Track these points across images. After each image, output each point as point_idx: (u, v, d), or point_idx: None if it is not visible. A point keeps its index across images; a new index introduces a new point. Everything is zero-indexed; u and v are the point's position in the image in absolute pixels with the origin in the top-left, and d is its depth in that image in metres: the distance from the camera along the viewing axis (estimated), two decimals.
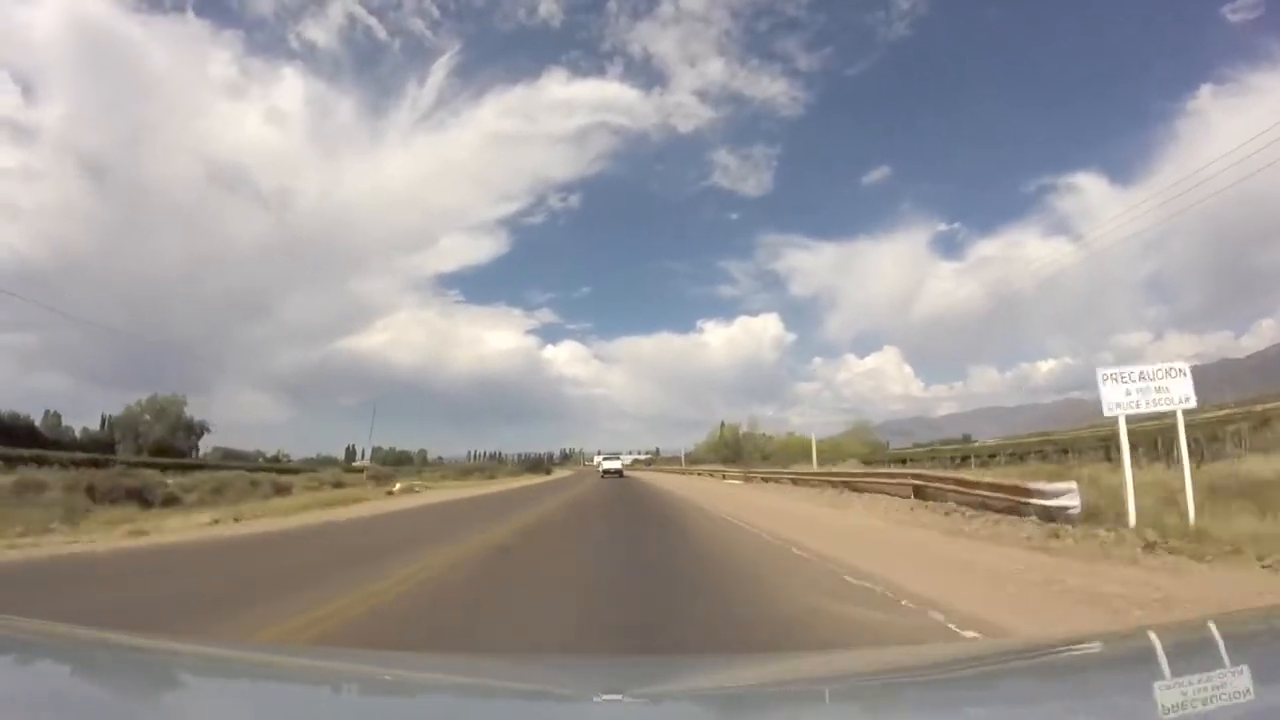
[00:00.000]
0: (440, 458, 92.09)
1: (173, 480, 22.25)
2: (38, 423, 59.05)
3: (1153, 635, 1.67)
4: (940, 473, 15.32)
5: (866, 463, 40.60)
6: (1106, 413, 8.44)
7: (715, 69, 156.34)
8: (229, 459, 71.40)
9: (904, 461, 48.39)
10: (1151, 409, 8.37)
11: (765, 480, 30.81)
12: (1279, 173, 24.92)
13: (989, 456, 41.61)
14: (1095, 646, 1.62)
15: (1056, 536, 8.13)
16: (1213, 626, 1.53)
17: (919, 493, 13.20)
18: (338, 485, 27.88)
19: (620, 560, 8.68)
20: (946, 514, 10.97)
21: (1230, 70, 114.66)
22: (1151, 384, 8.15)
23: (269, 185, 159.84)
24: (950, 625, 4.60)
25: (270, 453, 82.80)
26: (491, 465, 72.27)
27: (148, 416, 57.90)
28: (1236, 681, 1.16)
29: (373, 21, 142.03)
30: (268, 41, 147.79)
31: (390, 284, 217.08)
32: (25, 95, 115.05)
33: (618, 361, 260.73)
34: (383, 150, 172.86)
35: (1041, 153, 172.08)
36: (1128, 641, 1.81)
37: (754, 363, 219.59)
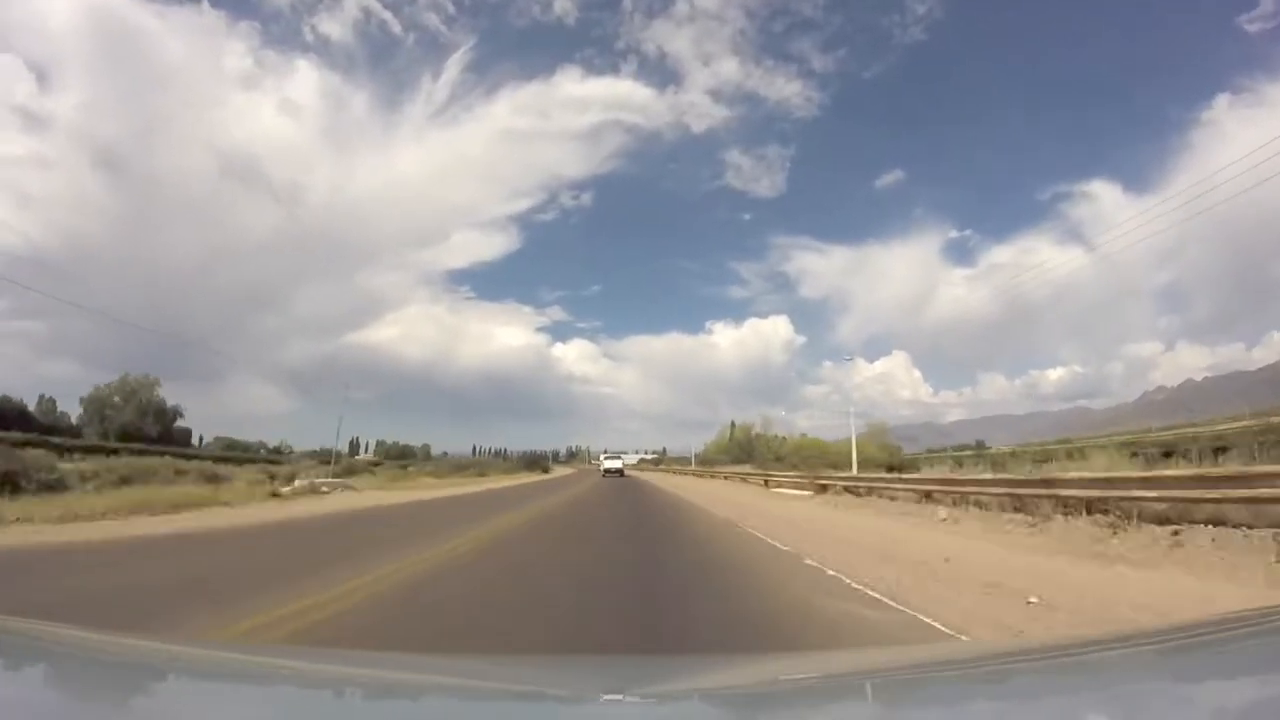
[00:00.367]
0: (446, 453, 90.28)
1: (87, 466, 19.33)
2: (31, 407, 57.57)
3: (1154, 635, 1.73)
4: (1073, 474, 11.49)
5: (890, 468, 37.91)
6: None
7: (729, 68, 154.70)
8: (231, 449, 70.13)
9: (924, 466, 45.57)
10: None
11: (822, 487, 21.28)
12: None
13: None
14: (1096, 647, 1.57)
15: None
16: (1213, 626, 1.51)
17: (1016, 502, 10.57)
18: (212, 479, 19.99)
19: None
20: (1114, 532, 8.10)
21: (1247, 80, 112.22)
22: None
23: (282, 178, 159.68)
24: None
25: (273, 444, 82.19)
26: (484, 462, 68.80)
27: (117, 399, 54.70)
28: (1236, 681, 1.15)
29: (387, 15, 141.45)
30: (283, 34, 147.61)
31: (401, 279, 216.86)
32: (40, 83, 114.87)
33: (627, 360, 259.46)
34: (396, 145, 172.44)
35: (1056, 160, 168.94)
36: (1128, 641, 1.70)
37: (762, 364, 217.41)
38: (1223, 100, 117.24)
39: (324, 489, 22.80)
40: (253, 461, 42.59)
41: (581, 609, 5.39)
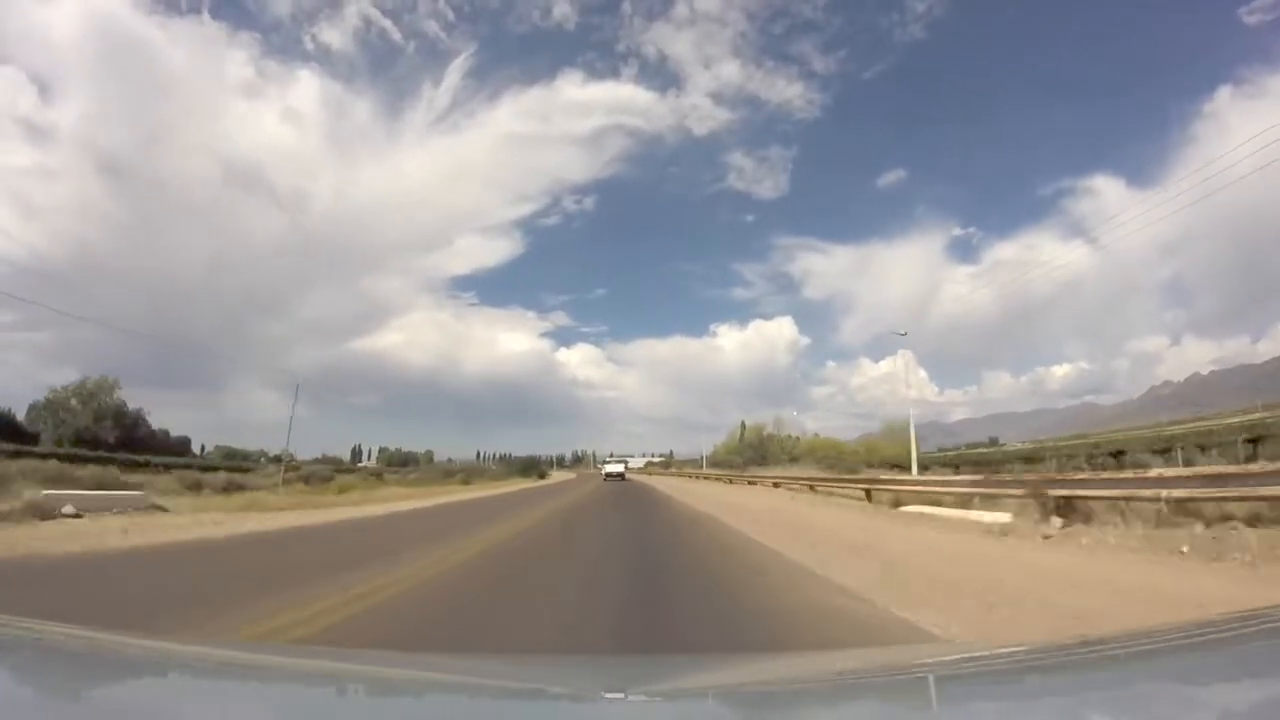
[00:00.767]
0: (450, 459, 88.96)
1: None
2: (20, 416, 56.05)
3: (1157, 634, 1.66)
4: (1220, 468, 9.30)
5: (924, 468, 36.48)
6: None
7: (730, 71, 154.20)
8: (230, 457, 68.93)
9: (957, 467, 44.14)
10: None
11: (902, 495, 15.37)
12: None
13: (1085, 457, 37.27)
14: (1095, 647, 1.51)
15: None
16: (1218, 626, 1.46)
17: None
18: None
19: None
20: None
21: (1248, 72, 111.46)
22: None
23: (285, 186, 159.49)
24: None
25: (274, 451, 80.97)
26: (474, 468, 65.71)
27: (74, 401, 50.84)
28: (1242, 682, 1.14)
29: (387, 24, 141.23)
30: (284, 43, 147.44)
31: (405, 285, 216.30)
32: (42, 95, 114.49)
33: (631, 364, 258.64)
34: (398, 151, 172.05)
35: (1058, 156, 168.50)
36: (1128, 642, 1.58)
37: (768, 366, 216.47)
38: (1224, 92, 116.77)
39: (65, 511, 11.97)
40: (215, 469, 40.25)
41: None
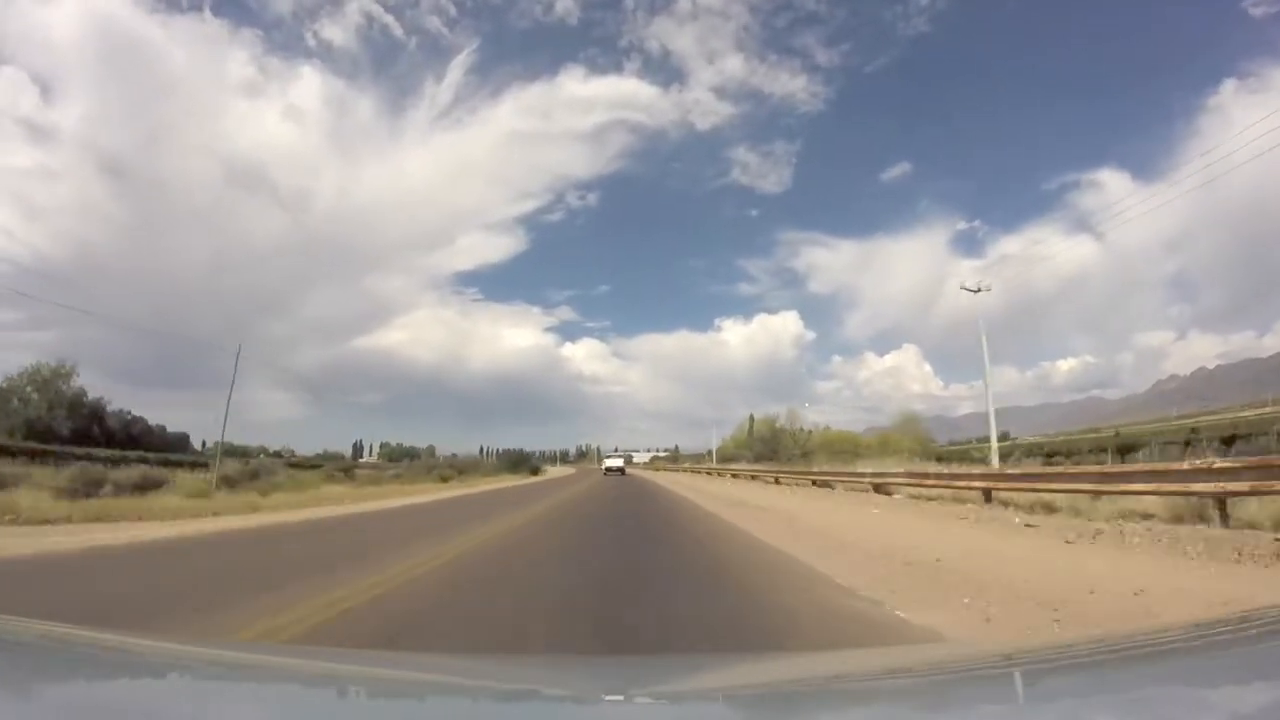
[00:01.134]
0: (454, 454, 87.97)
1: None
2: None
3: (1160, 635, 1.65)
4: None
5: (940, 459, 35.19)
6: None
7: (734, 65, 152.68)
8: (229, 454, 67.90)
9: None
10: None
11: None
12: None
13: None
14: (1096, 647, 1.54)
15: None
16: (1213, 626, 1.49)
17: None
18: None
19: None
20: None
21: (1252, 65, 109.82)
22: None
23: (287, 184, 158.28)
24: None
25: (274, 448, 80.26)
26: (459, 464, 61.80)
27: (30, 390, 46.27)
28: (1245, 683, 1.11)
29: (390, 20, 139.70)
30: (285, 40, 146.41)
31: (409, 282, 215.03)
32: (44, 96, 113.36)
33: (636, 359, 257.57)
34: (401, 148, 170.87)
35: (1063, 149, 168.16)
36: (1129, 642, 1.62)
37: (773, 361, 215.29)
38: (1229, 86, 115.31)
39: None
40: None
41: None
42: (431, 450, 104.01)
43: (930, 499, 15.90)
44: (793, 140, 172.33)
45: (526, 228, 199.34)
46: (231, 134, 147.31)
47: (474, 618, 5.19)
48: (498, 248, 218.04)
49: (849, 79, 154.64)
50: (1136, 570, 6.37)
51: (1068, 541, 8.35)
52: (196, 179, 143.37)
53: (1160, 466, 10.44)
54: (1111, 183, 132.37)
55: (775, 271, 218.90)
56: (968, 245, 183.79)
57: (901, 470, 20.19)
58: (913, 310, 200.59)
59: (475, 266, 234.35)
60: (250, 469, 29.29)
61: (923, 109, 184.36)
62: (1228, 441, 32.76)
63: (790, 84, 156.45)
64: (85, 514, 12.53)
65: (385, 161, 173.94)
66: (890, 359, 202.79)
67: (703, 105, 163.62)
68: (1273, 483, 7.48)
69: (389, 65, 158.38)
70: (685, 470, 62.95)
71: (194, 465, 34.47)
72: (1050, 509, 11.42)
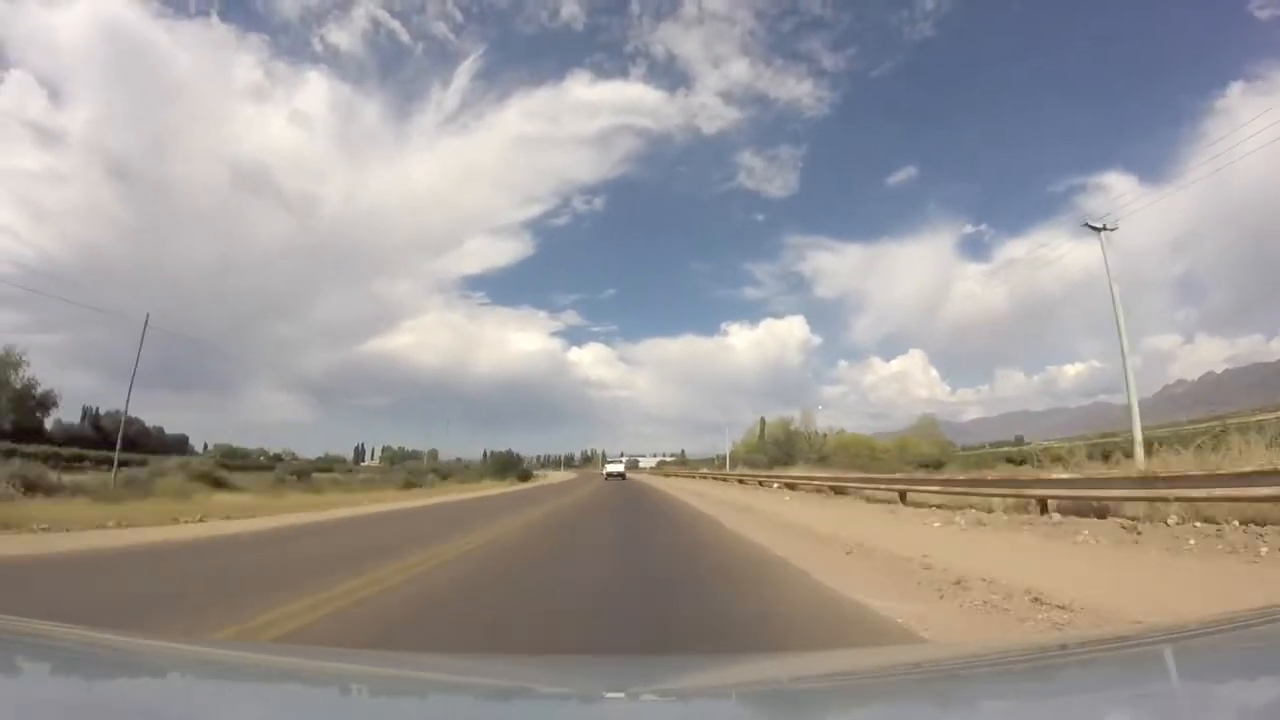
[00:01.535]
0: (459, 459, 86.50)
1: None
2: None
3: (1161, 633, 1.64)
4: None
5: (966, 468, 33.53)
6: None
7: (739, 70, 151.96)
8: (230, 456, 66.59)
9: (1021, 462, 40.87)
10: None
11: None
12: None
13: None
14: (1095, 647, 1.55)
15: None
16: (1212, 626, 1.45)
17: None
18: None
19: None
20: None
21: (1259, 68, 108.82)
22: None
23: (294, 188, 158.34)
24: None
25: (276, 450, 79.61)
26: (445, 468, 58.30)
27: None
28: (1236, 681, 1.12)
29: (396, 25, 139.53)
30: (292, 45, 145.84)
31: (415, 287, 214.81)
32: (52, 99, 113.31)
33: (642, 364, 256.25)
34: (408, 153, 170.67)
35: (1069, 152, 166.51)
36: (1128, 642, 1.62)
37: (779, 365, 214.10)
38: (1236, 88, 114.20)
39: None
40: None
41: None
42: (434, 454, 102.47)
43: (989, 510, 12.74)
44: (799, 144, 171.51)
45: (533, 232, 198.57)
46: (238, 138, 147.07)
47: None
48: (504, 252, 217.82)
49: (854, 83, 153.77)
50: None
51: None
52: (203, 183, 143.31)
53: None
54: (1118, 186, 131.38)
55: (781, 276, 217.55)
56: (974, 249, 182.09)
57: (999, 476, 15.69)
58: (919, 314, 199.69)
59: (482, 270, 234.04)
60: (145, 475, 25.63)
61: (928, 113, 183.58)
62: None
63: (796, 88, 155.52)
64: None
65: (392, 166, 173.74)
66: (896, 364, 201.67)
67: (709, 110, 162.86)
68: None
69: (395, 70, 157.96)
70: (701, 477, 59.03)
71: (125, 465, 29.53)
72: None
